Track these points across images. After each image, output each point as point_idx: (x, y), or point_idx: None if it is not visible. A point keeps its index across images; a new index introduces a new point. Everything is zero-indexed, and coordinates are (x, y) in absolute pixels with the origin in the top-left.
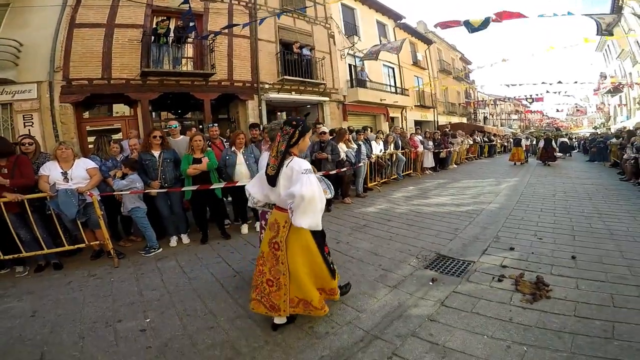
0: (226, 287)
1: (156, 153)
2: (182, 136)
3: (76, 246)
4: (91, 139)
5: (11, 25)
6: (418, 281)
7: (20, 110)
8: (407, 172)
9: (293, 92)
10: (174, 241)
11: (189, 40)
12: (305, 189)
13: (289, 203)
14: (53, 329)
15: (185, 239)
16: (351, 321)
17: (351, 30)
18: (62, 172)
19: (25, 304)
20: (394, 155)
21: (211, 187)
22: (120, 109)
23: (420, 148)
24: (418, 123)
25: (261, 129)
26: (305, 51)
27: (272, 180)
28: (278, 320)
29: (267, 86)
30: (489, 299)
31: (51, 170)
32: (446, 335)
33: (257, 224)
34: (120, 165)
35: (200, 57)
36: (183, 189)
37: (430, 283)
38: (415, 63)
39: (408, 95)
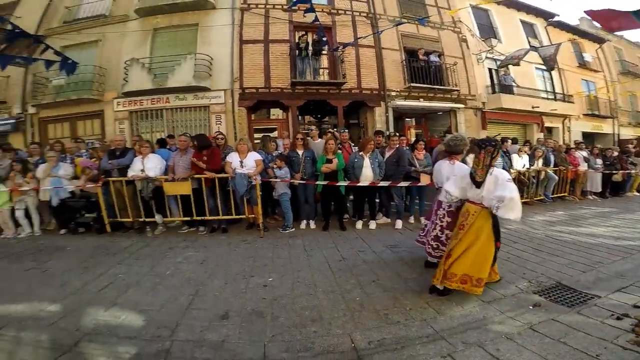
0: (332, 267)
1: (300, 152)
2: (319, 139)
3: (239, 217)
4: (257, 135)
5: (203, 42)
6: (517, 303)
7: (214, 112)
8: (559, 194)
9: (421, 99)
10: (303, 225)
11: (324, 52)
12: (512, 193)
13: (495, 202)
14: (211, 274)
15: (312, 224)
16: (426, 319)
17: (487, 32)
18: (239, 161)
19: (200, 254)
20: (542, 172)
21: (337, 184)
22: (276, 112)
23: (583, 166)
24: (588, 136)
25: (385, 135)
26: (433, 57)
27: (478, 184)
28: (439, 286)
29: (393, 93)
30: (588, 333)
31: (233, 159)
32: (513, 353)
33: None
34: (275, 160)
35: (333, 67)
36: (317, 182)
37: (531, 307)
38: (583, 65)
39: (572, 102)
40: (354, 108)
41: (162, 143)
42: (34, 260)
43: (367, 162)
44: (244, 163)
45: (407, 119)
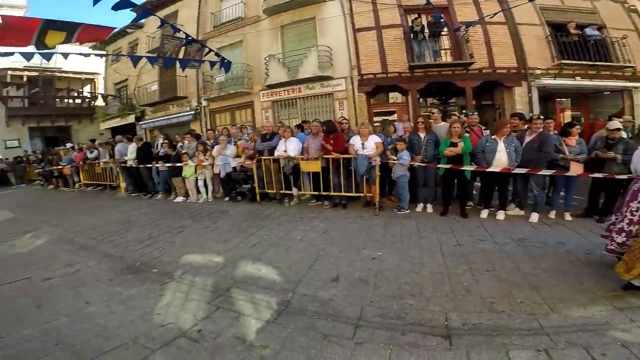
0: (444, 251)
1: (422, 135)
2: (443, 122)
3: (358, 194)
4: (376, 119)
5: (322, 34)
6: None
7: (337, 99)
8: None
9: (578, 78)
10: (419, 207)
11: (443, 33)
12: None
13: None
14: (330, 243)
15: (429, 208)
16: (536, 314)
17: None
18: (361, 143)
19: (323, 224)
20: None
21: (462, 169)
22: (393, 96)
23: None
24: None
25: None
26: (590, 31)
27: None
28: (636, 282)
29: (538, 72)
30: None
31: (355, 141)
32: None
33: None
34: (395, 142)
35: (457, 47)
36: (438, 166)
37: None
38: None
39: None
40: (487, 88)
41: (300, 127)
42: (208, 220)
43: (501, 146)
44: (365, 145)
45: (559, 100)
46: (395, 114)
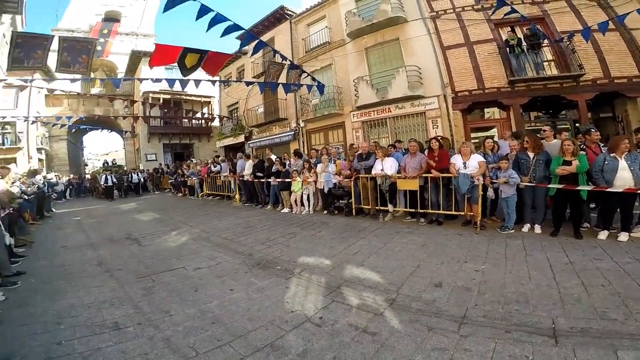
0: (553, 267)
1: (531, 154)
2: (555, 140)
3: (457, 213)
4: (473, 135)
5: (408, 54)
6: None
7: (429, 117)
8: None
9: None
10: (526, 228)
11: (544, 45)
12: None
13: None
14: (429, 255)
15: (537, 228)
16: None
17: None
18: (462, 162)
19: (421, 239)
20: None
21: (577, 188)
22: (490, 112)
23: None
24: None
25: None
26: None
27: None
28: None
29: None
30: None
31: (456, 160)
32: None
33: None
34: (499, 162)
35: (562, 59)
36: (549, 185)
37: None
38: None
39: None
40: (606, 100)
41: (393, 147)
42: (313, 229)
43: (622, 164)
44: (467, 164)
45: None
46: (494, 130)
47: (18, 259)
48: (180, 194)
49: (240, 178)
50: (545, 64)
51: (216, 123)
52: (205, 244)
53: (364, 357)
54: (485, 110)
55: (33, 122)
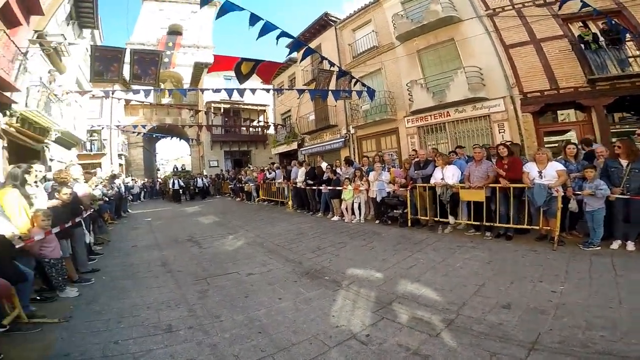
0: None
1: (624, 162)
2: None
3: (530, 227)
4: (546, 139)
5: (466, 54)
6: None
7: (495, 120)
8: None
9: None
10: (616, 244)
11: (628, 39)
12: None
13: None
14: (496, 273)
15: (630, 245)
16: None
17: None
18: (538, 171)
19: (486, 255)
20: None
21: None
22: (565, 114)
23: None
24: None
25: None
26: None
27: None
28: None
29: None
30: None
31: (531, 169)
32: None
33: None
34: (583, 170)
35: None
36: None
37: None
38: None
39: None
40: None
41: (454, 153)
42: (364, 240)
43: None
44: (543, 173)
45: None
46: (571, 133)
47: (95, 256)
48: (238, 199)
49: (294, 185)
50: (631, 59)
51: (271, 131)
52: (259, 249)
53: None
54: (559, 112)
55: (116, 128)
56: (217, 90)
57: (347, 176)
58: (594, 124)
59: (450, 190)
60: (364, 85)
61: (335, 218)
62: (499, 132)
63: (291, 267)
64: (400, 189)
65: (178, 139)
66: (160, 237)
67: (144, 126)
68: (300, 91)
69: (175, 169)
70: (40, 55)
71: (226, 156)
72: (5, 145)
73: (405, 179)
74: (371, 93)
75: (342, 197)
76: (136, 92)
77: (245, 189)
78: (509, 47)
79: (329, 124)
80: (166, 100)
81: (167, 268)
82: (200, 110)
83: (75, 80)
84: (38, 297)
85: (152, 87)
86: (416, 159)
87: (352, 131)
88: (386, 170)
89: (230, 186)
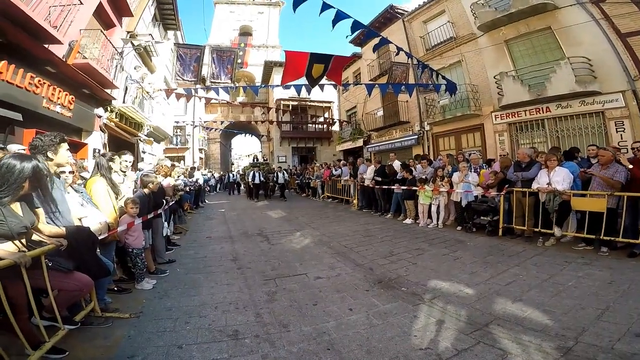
0: None
1: None
2: None
3: None
4: None
5: (569, 44)
6: None
7: (611, 117)
8: None
9: None
10: None
11: None
12: None
13: None
14: (622, 295)
15: None
16: None
17: None
18: None
19: (602, 272)
20: None
21: None
22: None
23: None
24: None
25: None
26: None
27: None
28: None
29: None
30: None
31: None
32: None
33: None
34: None
35: None
36: None
37: None
38: None
39: None
40: None
41: (567, 155)
42: (446, 248)
43: None
44: None
45: None
46: None
47: (173, 246)
48: (304, 194)
49: (361, 183)
50: None
51: (336, 127)
52: (326, 250)
53: None
54: None
55: (195, 126)
56: (287, 87)
57: (424, 176)
58: None
59: (559, 197)
60: (444, 78)
61: (408, 221)
62: (617, 132)
63: (362, 274)
64: (493, 192)
65: (251, 135)
66: (233, 229)
67: (221, 123)
68: (370, 87)
69: (255, 160)
70: (134, 56)
71: (294, 152)
72: (106, 139)
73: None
74: (452, 87)
75: (421, 200)
76: (215, 90)
77: (312, 185)
78: (626, 36)
79: (399, 120)
80: (240, 98)
81: (237, 263)
82: (271, 108)
83: (163, 79)
84: (115, 288)
85: (228, 85)
86: (517, 159)
87: (427, 128)
88: (474, 171)
89: (297, 181)
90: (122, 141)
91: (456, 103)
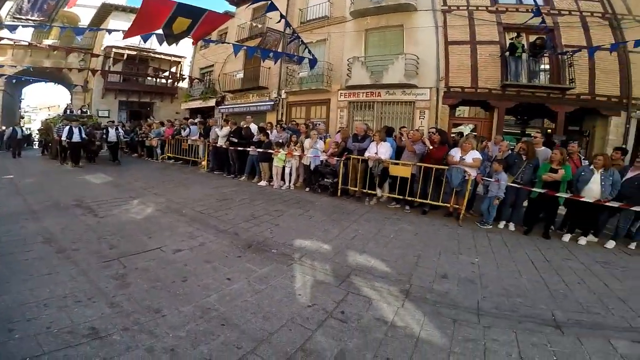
0: (535, 264)
1: (524, 158)
2: (543, 147)
3: (443, 204)
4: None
5: (409, 42)
6: None
7: (418, 107)
8: None
9: None
10: (501, 225)
11: (545, 54)
12: None
13: None
14: (425, 245)
15: (511, 226)
16: (626, 317)
17: None
18: (460, 157)
19: (409, 226)
20: None
21: (556, 194)
22: (462, 110)
23: None
24: None
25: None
26: None
27: None
28: None
29: None
30: None
31: (455, 154)
32: None
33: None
34: (493, 163)
35: (557, 70)
36: (533, 189)
37: None
38: None
39: None
40: (577, 115)
41: (388, 132)
42: (300, 208)
43: (596, 177)
44: (464, 159)
45: None
46: (469, 126)
47: None
48: (135, 155)
49: (213, 144)
50: (542, 73)
51: (183, 84)
52: (178, 218)
53: (405, 352)
54: (464, 108)
55: None
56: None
57: (280, 140)
58: (493, 122)
59: (381, 165)
60: (310, 52)
61: (263, 183)
62: (419, 118)
63: (228, 240)
64: (336, 158)
65: (55, 83)
66: (32, 201)
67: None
68: (238, 47)
69: (69, 111)
70: None
71: (121, 107)
72: None
73: (337, 149)
74: (313, 62)
75: (275, 162)
76: (9, 28)
77: (147, 144)
78: (449, 44)
79: (258, 85)
80: (50, 41)
81: (55, 246)
82: (97, 55)
83: None
84: None
85: (43, 23)
86: (354, 132)
87: (284, 96)
88: (322, 139)
89: (125, 139)
90: None
91: (313, 77)
